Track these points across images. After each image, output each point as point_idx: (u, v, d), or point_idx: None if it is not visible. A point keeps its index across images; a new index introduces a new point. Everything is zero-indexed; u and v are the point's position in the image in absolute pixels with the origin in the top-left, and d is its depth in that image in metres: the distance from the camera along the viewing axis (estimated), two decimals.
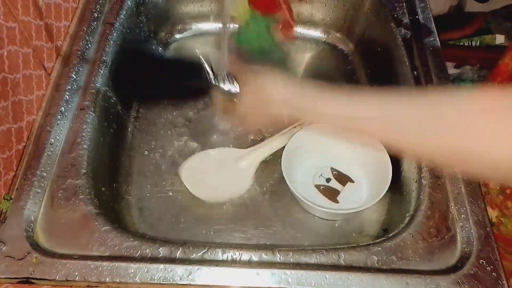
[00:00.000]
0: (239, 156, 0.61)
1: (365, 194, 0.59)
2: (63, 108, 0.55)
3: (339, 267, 0.45)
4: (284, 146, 0.58)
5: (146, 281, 0.43)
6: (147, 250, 0.45)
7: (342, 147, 0.62)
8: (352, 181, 0.61)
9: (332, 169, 0.62)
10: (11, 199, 0.48)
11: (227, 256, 0.46)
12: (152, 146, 0.65)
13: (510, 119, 0.31)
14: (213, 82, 0.52)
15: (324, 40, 0.79)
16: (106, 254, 0.45)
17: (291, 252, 0.46)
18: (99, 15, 0.65)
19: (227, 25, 0.53)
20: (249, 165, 0.60)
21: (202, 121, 0.68)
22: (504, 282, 0.44)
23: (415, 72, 0.61)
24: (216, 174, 0.60)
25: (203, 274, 0.44)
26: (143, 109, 0.69)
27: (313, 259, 0.45)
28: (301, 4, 0.77)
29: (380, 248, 0.46)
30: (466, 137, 0.33)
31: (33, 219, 0.47)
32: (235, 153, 0.62)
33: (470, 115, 0.33)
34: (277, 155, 0.60)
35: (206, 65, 0.53)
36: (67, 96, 0.56)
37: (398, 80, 0.63)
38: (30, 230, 0.46)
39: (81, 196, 0.48)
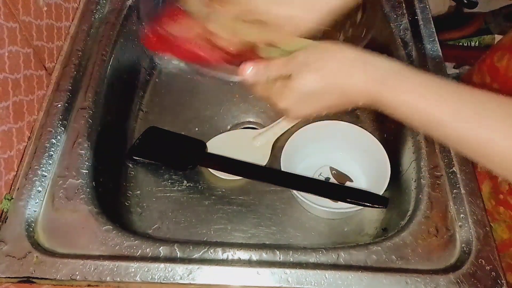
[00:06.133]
0: (253, 136, 0.65)
1: None
2: (64, 108, 0.55)
3: (338, 267, 0.45)
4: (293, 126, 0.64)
5: (146, 281, 0.43)
6: (148, 250, 0.45)
7: (341, 146, 0.62)
8: (351, 180, 0.61)
9: (331, 168, 0.62)
10: (12, 198, 0.48)
11: (227, 256, 0.46)
12: None
13: None
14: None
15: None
16: (106, 254, 0.45)
17: (291, 252, 0.46)
18: (100, 15, 0.65)
19: None
20: (265, 143, 0.64)
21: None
22: (504, 281, 0.44)
23: None
24: (233, 153, 0.61)
25: (203, 273, 0.44)
26: (144, 108, 0.69)
27: (312, 258, 0.45)
28: None
29: (379, 248, 0.46)
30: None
31: (33, 218, 0.47)
32: (250, 133, 0.66)
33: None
34: (277, 151, 0.60)
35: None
36: (68, 96, 0.56)
37: None
38: (31, 229, 0.46)
39: (82, 196, 0.49)
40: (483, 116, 0.33)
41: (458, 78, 0.77)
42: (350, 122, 0.61)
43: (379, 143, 0.57)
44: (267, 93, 0.41)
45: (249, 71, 0.41)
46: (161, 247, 0.46)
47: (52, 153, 0.51)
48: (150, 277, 0.43)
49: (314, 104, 0.40)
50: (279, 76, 0.40)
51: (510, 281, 0.58)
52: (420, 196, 0.50)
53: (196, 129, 0.67)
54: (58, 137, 0.53)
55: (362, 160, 0.61)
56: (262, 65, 0.41)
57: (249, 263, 0.45)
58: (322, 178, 0.62)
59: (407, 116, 0.36)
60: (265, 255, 0.46)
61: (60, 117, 0.54)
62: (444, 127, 0.35)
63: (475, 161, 0.36)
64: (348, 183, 0.61)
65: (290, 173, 0.55)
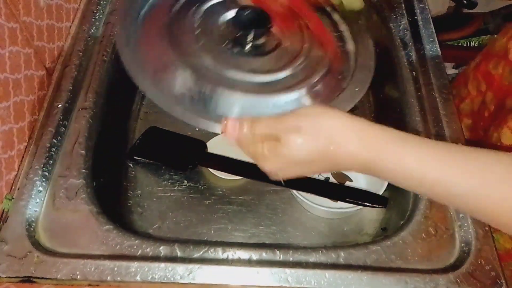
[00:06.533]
0: None
1: None
2: (64, 108, 0.55)
3: (338, 266, 0.45)
4: None
5: (147, 280, 0.43)
6: (148, 249, 0.46)
7: None
8: (350, 180, 0.61)
9: None
10: (13, 198, 0.48)
11: (228, 255, 0.46)
12: None
13: None
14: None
15: None
16: (107, 253, 0.45)
17: (291, 251, 0.46)
18: (100, 16, 0.65)
19: None
20: None
21: None
22: (503, 281, 0.45)
23: (414, 73, 0.61)
24: (233, 153, 0.60)
25: (203, 273, 0.44)
26: (144, 108, 0.69)
27: (312, 258, 0.46)
28: None
29: (379, 247, 0.46)
30: None
31: (34, 218, 0.47)
32: None
33: None
34: None
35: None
36: (69, 96, 0.56)
37: (397, 81, 0.63)
38: (32, 229, 0.46)
39: (83, 196, 0.49)
40: (489, 177, 0.33)
41: (453, 80, 0.77)
42: None
43: None
44: (251, 152, 0.38)
45: (231, 128, 0.37)
46: (162, 247, 0.46)
47: (52, 153, 0.51)
48: (151, 276, 0.44)
49: (302, 170, 0.37)
50: (266, 136, 0.36)
51: None
52: (419, 195, 0.50)
53: (196, 129, 0.67)
54: (59, 137, 0.53)
55: None
56: (248, 121, 0.37)
57: (249, 262, 0.45)
58: (322, 178, 0.62)
59: (406, 184, 0.35)
60: (265, 255, 0.46)
61: (61, 117, 0.54)
62: (450, 192, 0.34)
63: (485, 222, 0.35)
64: (347, 183, 0.61)
65: None
